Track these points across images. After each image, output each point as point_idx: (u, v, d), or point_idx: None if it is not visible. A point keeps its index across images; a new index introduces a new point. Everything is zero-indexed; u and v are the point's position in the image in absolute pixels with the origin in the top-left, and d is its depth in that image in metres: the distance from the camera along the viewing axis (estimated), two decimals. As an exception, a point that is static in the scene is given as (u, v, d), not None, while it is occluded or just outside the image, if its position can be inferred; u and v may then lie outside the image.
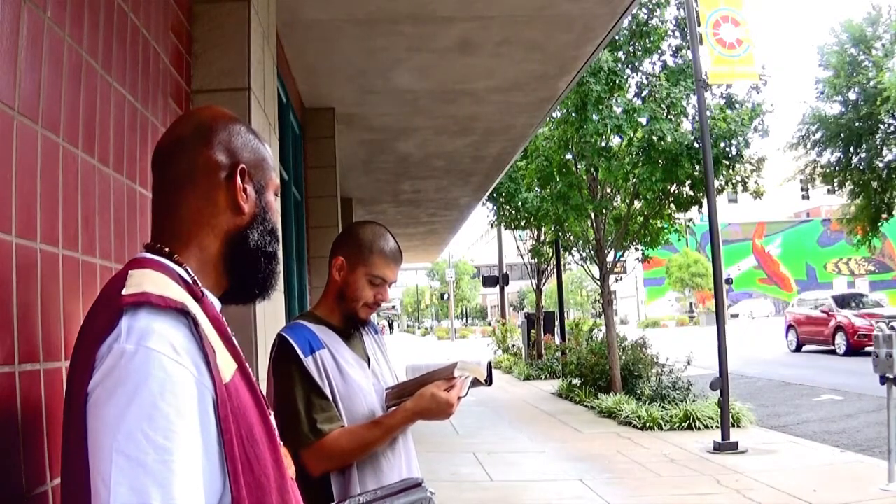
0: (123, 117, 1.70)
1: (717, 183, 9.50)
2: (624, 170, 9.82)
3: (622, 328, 14.08)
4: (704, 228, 18.60)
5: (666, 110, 9.30)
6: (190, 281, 1.01)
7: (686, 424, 8.18)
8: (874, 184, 19.85)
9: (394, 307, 74.55)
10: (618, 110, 9.37)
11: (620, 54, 9.58)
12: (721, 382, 7.21)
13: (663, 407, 8.61)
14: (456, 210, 12.33)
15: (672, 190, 10.04)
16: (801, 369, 14.31)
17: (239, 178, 1.06)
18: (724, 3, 8.87)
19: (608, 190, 10.70)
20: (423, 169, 8.63)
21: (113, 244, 1.59)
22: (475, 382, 1.81)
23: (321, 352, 1.77)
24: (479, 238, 64.92)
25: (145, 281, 0.94)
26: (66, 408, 0.92)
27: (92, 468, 0.84)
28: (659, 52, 9.92)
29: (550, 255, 15.37)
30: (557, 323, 16.06)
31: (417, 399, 1.75)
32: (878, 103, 18.37)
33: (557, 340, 15.81)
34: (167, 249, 1.03)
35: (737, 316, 47.47)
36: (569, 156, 10.69)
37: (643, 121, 9.38)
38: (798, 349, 18.32)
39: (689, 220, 13.69)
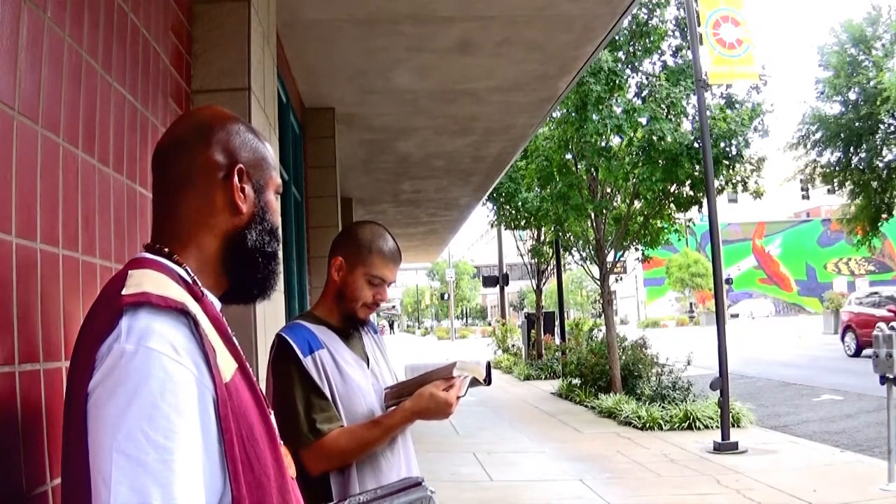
0: (123, 117, 1.70)
1: (717, 183, 9.50)
2: (624, 170, 9.82)
3: (622, 328, 14.08)
4: (704, 228, 18.60)
5: (666, 110, 9.30)
6: (190, 281, 1.01)
7: (686, 424, 8.18)
8: (874, 184, 19.85)
9: (394, 307, 74.55)
10: (618, 110, 9.37)
11: (620, 54, 9.58)
12: (721, 382, 7.21)
13: (663, 407, 8.61)
14: (456, 210, 12.33)
15: (672, 190, 10.05)
16: (801, 369, 14.31)
17: (236, 177, 1.06)
18: (724, 3, 8.87)
19: (608, 190, 10.71)
20: (423, 169, 8.63)
21: (113, 244, 1.59)
22: (474, 382, 1.81)
23: (320, 352, 1.77)
24: (479, 238, 64.92)
25: (145, 281, 0.94)
26: (66, 408, 0.92)
27: (92, 468, 0.84)
28: (659, 52, 9.92)
29: (550, 255, 15.37)
30: (557, 323, 16.06)
31: (416, 399, 1.75)
32: (878, 103, 18.38)
33: (557, 340, 15.81)
34: (166, 249, 1.03)
35: (737, 316, 47.47)
36: (569, 156, 10.69)
37: (643, 121, 9.38)
38: (857, 353, 15.84)
39: (689, 220, 13.68)
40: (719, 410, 7.25)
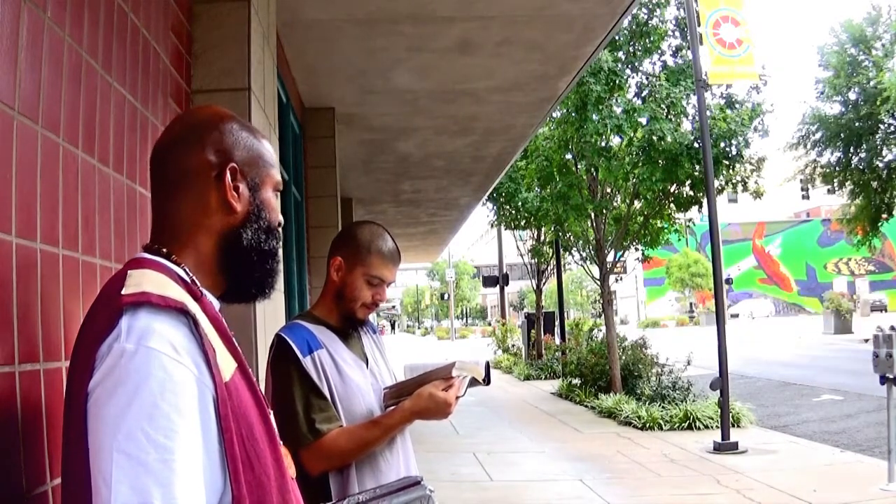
0: (123, 117, 1.70)
1: (717, 183, 9.50)
2: (624, 170, 9.82)
3: (622, 328, 14.09)
4: (704, 228, 18.60)
5: (666, 110, 9.30)
6: (189, 281, 1.01)
7: (686, 424, 8.18)
8: (874, 184, 19.87)
9: (394, 307, 74.58)
10: (618, 110, 9.37)
11: (620, 54, 9.58)
12: (721, 382, 7.21)
13: (663, 407, 8.61)
14: (456, 210, 12.33)
15: (672, 190, 10.05)
16: (800, 369, 14.31)
17: (228, 177, 1.05)
18: (724, 3, 8.87)
19: (608, 190, 10.71)
20: (423, 169, 8.63)
21: (113, 244, 1.59)
22: (473, 382, 1.81)
23: (319, 352, 1.77)
24: (479, 238, 64.90)
25: (145, 281, 0.94)
26: (66, 407, 0.92)
27: (93, 468, 0.84)
28: (659, 52, 9.92)
29: (550, 255, 15.37)
30: (557, 323, 16.06)
31: (415, 399, 1.76)
32: (878, 103, 18.39)
33: (557, 340, 15.81)
34: (164, 250, 1.03)
35: (737, 316, 47.50)
36: (569, 156, 10.69)
37: (643, 121, 9.38)
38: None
39: (689, 220, 13.69)
40: (719, 410, 7.25)
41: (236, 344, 1.03)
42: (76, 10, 1.44)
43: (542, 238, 15.29)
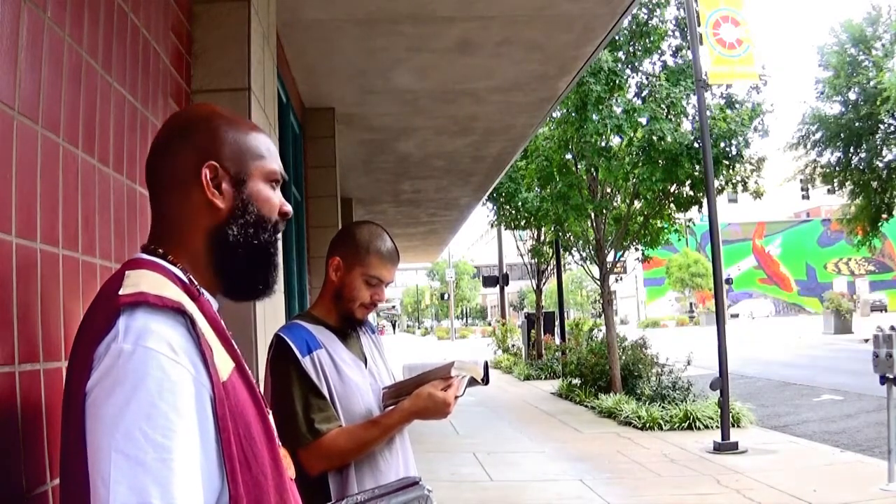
0: (123, 117, 1.70)
1: (717, 183, 9.50)
2: (624, 170, 9.82)
3: (622, 328, 14.09)
4: (704, 228, 18.60)
5: (666, 110, 9.30)
6: (186, 281, 1.01)
7: (686, 424, 8.18)
8: (874, 184, 19.88)
9: (393, 307, 74.58)
10: (618, 110, 9.37)
11: (620, 54, 9.58)
12: (721, 382, 7.21)
13: (663, 407, 8.62)
14: (456, 210, 12.33)
15: (672, 190, 10.05)
16: (801, 369, 14.32)
17: (206, 175, 1.04)
18: (724, 3, 8.87)
19: (608, 190, 10.71)
20: (423, 169, 8.63)
21: (113, 244, 1.59)
22: (472, 382, 1.81)
23: (318, 352, 1.77)
24: (479, 238, 64.88)
25: (142, 281, 0.94)
26: (65, 407, 0.92)
27: (91, 467, 0.84)
28: (659, 52, 9.92)
29: (550, 255, 15.37)
30: (557, 323, 16.06)
31: (414, 399, 1.76)
32: (878, 103, 18.39)
33: (557, 340, 15.81)
34: (161, 250, 1.04)
35: (737, 316, 47.51)
36: (569, 156, 10.69)
37: (643, 121, 9.38)
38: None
39: (689, 220, 13.69)
40: (719, 410, 7.25)
41: (234, 344, 1.03)
42: (76, 10, 1.44)
43: (542, 238, 15.29)
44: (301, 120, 5.76)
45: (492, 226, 17.42)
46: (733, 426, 7.43)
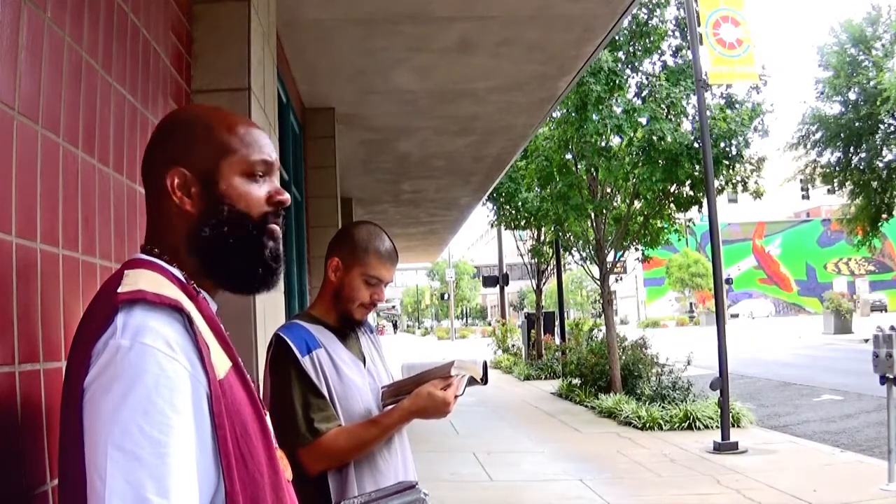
0: (123, 117, 1.70)
1: (717, 183, 9.50)
2: (624, 170, 9.82)
3: (622, 328, 14.09)
4: (704, 228, 18.60)
5: (666, 110, 9.30)
6: (184, 280, 1.02)
7: (686, 424, 8.18)
8: (874, 184, 19.88)
9: (393, 307, 74.58)
10: (618, 110, 9.37)
11: (620, 54, 9.58)
12: (721, 382, 7.21)
13: (663, 407, 8.62)
14: (456, 210, 12.33)
15: (672, 190, 10.04)
16: (801, 369, 14.32)
17: (175, 181, 1.05)
18: (724, 3, 8.87)
19: (608, 190, 10.70)
20: (423, 169, 8.63)
21: (113, 244, 1.59)
22: (471, 381, 1.81)
23: (318, 351, 1.77)
24: (479, 238, 64.88)
25: (141, 279, 0.95)
26: (64, 404, 0.93)
27: (88, 462, 0.85)
28: (659, 52, 9.92)
29: (550, 255, 15.37)
30: (557, 323, 16.06)
31: (414, 398, 1.76)
32: (878, 103, 18.39)
33: (557, 340, 15.81)
34: (156, 250, 1.05)
35: (737, 316, 47.50)
36: (569, 156, 10.69)
37: (643, 121, 9.38)
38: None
39: (689, 220, 13.69)
40: (719, 410, 7.25)
41: (231, 344, 1.04)
42: (76, 10, 1.44)
43: (542, 238, 15.29)
44: (301, 120, 5.76)
45: (492, 226, 17.42)
46: (733, 426, 7.43)
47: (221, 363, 0.97)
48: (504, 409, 10.67)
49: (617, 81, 9.07)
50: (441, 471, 6.45)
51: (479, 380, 1.81)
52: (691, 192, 9.98)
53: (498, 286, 21.49)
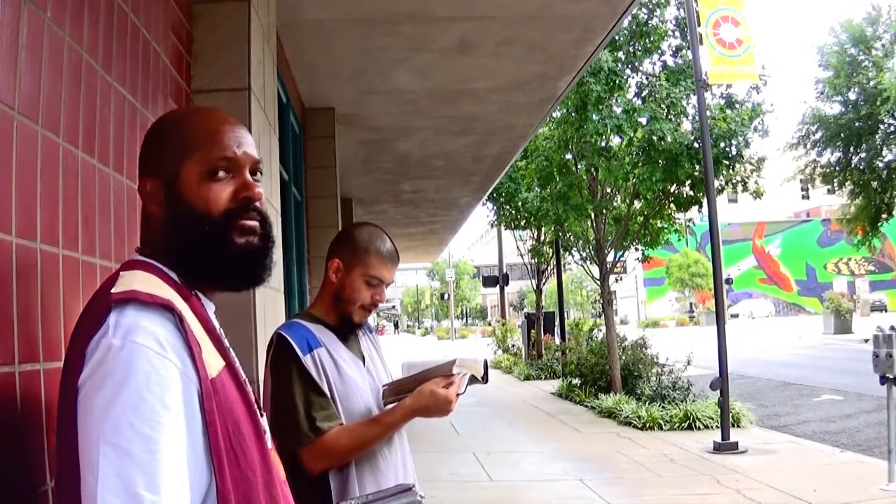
0: (123, 117, 1.70)
1: (717, 183, 9.50)
2: (624, 170, 9.82)
3: (622, 328, 14.08)
4: (704, 228, 18.60)
5: (666, 110, 9.29)
6: (178, 281, 1.04)
7: (686, 424, 8.18)
8: (874, 184, 19.87)
9: (394, 307, 74.57)
10: (618, 110, 9.37)
11: (620, 54, 9.58)
12: (721, 382, 7.21)
13: (663, 407, 8.61)
14: (456, 210, 12.33)
15: (672, 190, 10.04)
16: (801, 369, 14.31)
17: (146, 188, 1.08)
18: (724, 3, 8.87)
19: (608, 190, 10.70)
20: (423, 169, 8.63)
21: (113, 244, 1.59)
22: (472, 380, 1.82)
23: (319, 350, 1.77)
24: (479, 238, 64.89)
25: (135, 280, 0.97)
26: (60, 402, 0.94)
27: (81, 458, 0.87)
28: (659, 52, 9.92)
29: (550, 255, 15.37)
30: (557, 323, 16.06)
31: (416, 396, 1.76)
32: (878, 103, 18.38)
33: (557, 340, 15.81)
34: (148, 251, 1.07)
35: (737, 316, 47.50)
36: (569, 156, 10.69)
37: (643, 121, 9.38)
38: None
39: (689, 220, 13.69)
40: (719, 410, 7.25)
41: (226, 344, 1.05)
42: (76, 10, 1.44)
43: (542, 238, 15.29)
44: (301, 120, 5.76)
45: (492, 226, 17.42)
46: (733, 426, 7.43)
47: (214, 362, 0.98)
48: (504, 409, 10.67)
49: (617, 81, 9.07)
50: (441, 471, 6.45)
51: (480, 378, 1.82)
52: (691, 192, 9.97)
53: (498, 286, 21.49)
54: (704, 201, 9.26)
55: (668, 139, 9.00)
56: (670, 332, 34.49)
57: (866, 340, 13.38)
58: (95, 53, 1.53)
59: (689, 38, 8.56)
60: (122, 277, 0.99)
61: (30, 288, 1.20)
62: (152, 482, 0.85)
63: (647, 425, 8.25)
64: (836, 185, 21.48)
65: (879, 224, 20.46)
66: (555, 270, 15.38)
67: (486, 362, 1.85)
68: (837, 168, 20.83)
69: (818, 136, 20.82)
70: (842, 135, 20.22)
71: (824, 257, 51.61)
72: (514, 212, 14.63)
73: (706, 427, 8.01)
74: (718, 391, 7.25)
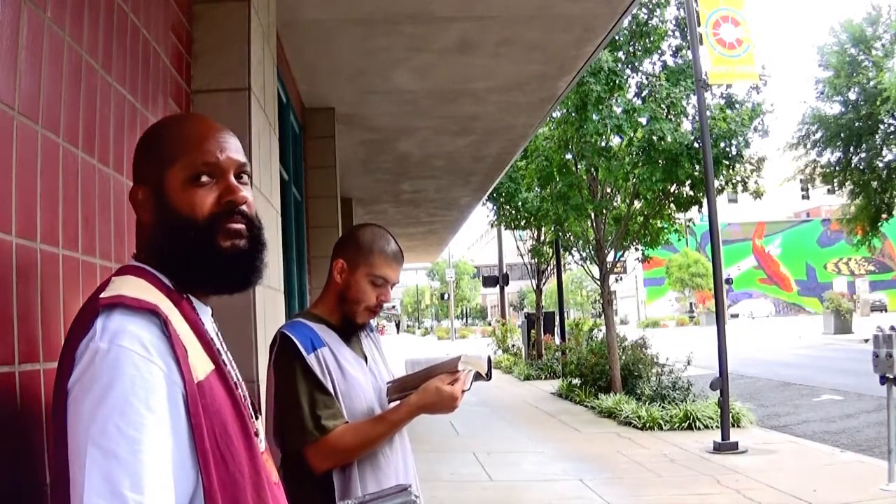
0: (123, 117, 1.70)
1: (717, 183, 9.50)
2: (624, 170, 9.82)
3: (622, 328, 14.08)
4: (704, 228, 18.60)
5: (666, 110, 9.29)
6: (170, 286, 1.06)
7: (686, 424, 8.18)
8: (874, 184, 19.86)
9: (394, 307, 74.55)
10: (618, 110, 9.37)
11: (620, 54, 9.58)
12: (721, 382, 7.21)
13: (663, 407, 8.61)
14: (456, 210, 12.33)
15: (672, 190, 10.04)
16: (801, 369, 14.31)
17: (133, 196, 1.11)
18: (724, 3, 8.87)
19: (608, 190, 10.70)
20: (423, 169, 8.63)
21: (113, 244, 1.59)
22: (476, 376, 1.82)
23: (322, 349, 1.77)
24: (479, 238, 64.88)
25: (124, 286, 1.00)
26: (53, 404, 0.96)
27: (71, 459, 0.90)
28: (659, 52, 9.92)
29: (550, 255, 15.37)
30: (557, 323, 16.06)
31: (422, 393, 1.76)
32: (878, 103, 18.38)
33: (557, 340, 15.81)
34: (142, 256, 1.09)
35: (737, 316, 47.49)
36: (569, 156, 10.69)
37: (643, 121, 9.38)
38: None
39: (689, 220, 13.68)
40: (719, 410, 7.25)
41: (217, 348, 1.07)
42: (76, 10, 1.44)
43: (542, 238, 15.29)
44: (301, 120, 5.76)
45: (492, 226, 17.41)
46: (733, 426, 7.43)
47: (202, 365, 1.00)
48: (504, 409, 10.67)
49: (617, 81, 9.07)
50: (441, 471, 6.45)
51: (484, 375, 1.82)
52: (691, 192, 9.97)
53: (498, 286, 21.49)
54: (704, 201, 9.26)
55: (668, 139, 9.00)
56: (670, 332, 34.49)
57: (866, 340, 13.37)
58: (95, 53, 1.53)
59: (689, 38, 8.56)
60: (113, 283, 1.01)
61: (30, 288, 1.20)
62: (137, 483, 0.87)
63: (647, 425, 8.25)
64: (836, 185, 21.48)
65: (879, 224, 20.45)
66: (555, 270, 15.38)
67: (489, 359, 1.85)
68: (837, 168, 20.82)
69: (818, 136, 20.82)
70: (842, 135, 20.22)
71: (824, 257, 51.61)
72: (514, 212, 14.63)
73: (706, 427, 8.01)
74: (718, 391, 7.25)
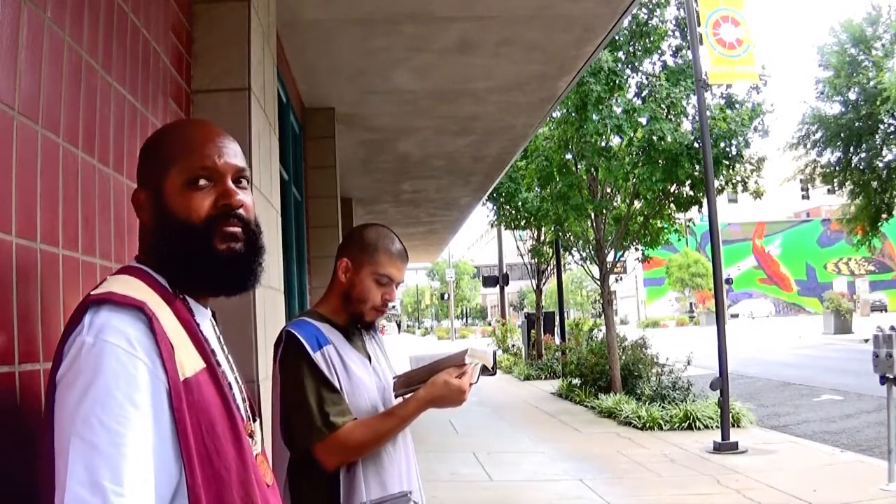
0: (123, 117, 1.70)
1: (717, 183, 9.50)
2: (624, 170, 9.82)
3: (622, 328, 14.09)
4: (704, 228, 18.60)
5: (666, 110, 9.30)
6: (166, 286, 1.08)
7: (686, 424, 8.18)
8: (874, 184, 19.87)
9: (394, 307, 74.45)
10: (618, 110, 9.37)
11: (620, 54, 9.58)
12: (721, 382, 7.21)
13: (663, 407, 8.61)
14: (456, 210, 12.33)
15: (672, 190, 10.04)
16: (801, 369, 14.31)
17: (134, 200, 1.13)
18: (724, 3, 8.88)
19: (608, 190, 10.70)
20: (423, 169, 8.63)
21: (113, 244, 1.59)
22: (482, 370, 1.82)
23: (327, 348, 1.77)
24: (479, 238, 64.89)
25: (115, 284, 1.02)
26: (45, 396, 0.98)
27: (56, 449, 0.91)
28: (659, 52, 9.92)
29: (550, 255, 15.37)
30: (557, 323, 16.06)
31: (430, 387, 1.76)
32: (878, 103, 18.38)
33: (557, 340, 15.81)
34: (143, 257, 1.12)
35: (737, 316, 47.50)
36: (569, 156, 10.69)
37: (643, 121, 9.38)
38: None
39: (689, 220, 13.69)
40: (719, 410, 7.25)
41: (211, 347, 1.08)
42: (76, 10, 1.44)
43: (542, 238, 15.29)
44: (301, 120, 5.76)
45: (492, 226, 17.42)
46: (733, 426, 7.43)
47: (190, 363, 1.01)
48: (504, 409, 10.67)
49: (617, 81, 9.07)
50: (441, 471, 6.45)
51: (489, 368, 1.82)
52: (691, 192, 9.98)
53: (498, 286, 21.49)
54: (704, 201, 9.26)
55: (668, 139, 9.00)
56: (670, 332, 34.49)
57: (866, 340, 13.36)
58: (95, 53, 1.53)
59: (689, 38, 8.56)
60: (106, 281, 1.04)
61: (30, 288, 1.20)
62: (116, 475, 0.89)
63: (647, 425, 8.25)
64: (836, 185, 21.49)
65: (879, 224, 20.46)
66: (555, 270, 15.38)
67: (495, 353, 1.86)
68: (837, 168, 20.83)
69: (818, 136, 20.82)
70: (842, 135, 20.22)
71: (824, 257, 51.61)
72: (514, 212, 14.63)
73: (706, 427, 8.01)
74: (718, 391, 7.25)
